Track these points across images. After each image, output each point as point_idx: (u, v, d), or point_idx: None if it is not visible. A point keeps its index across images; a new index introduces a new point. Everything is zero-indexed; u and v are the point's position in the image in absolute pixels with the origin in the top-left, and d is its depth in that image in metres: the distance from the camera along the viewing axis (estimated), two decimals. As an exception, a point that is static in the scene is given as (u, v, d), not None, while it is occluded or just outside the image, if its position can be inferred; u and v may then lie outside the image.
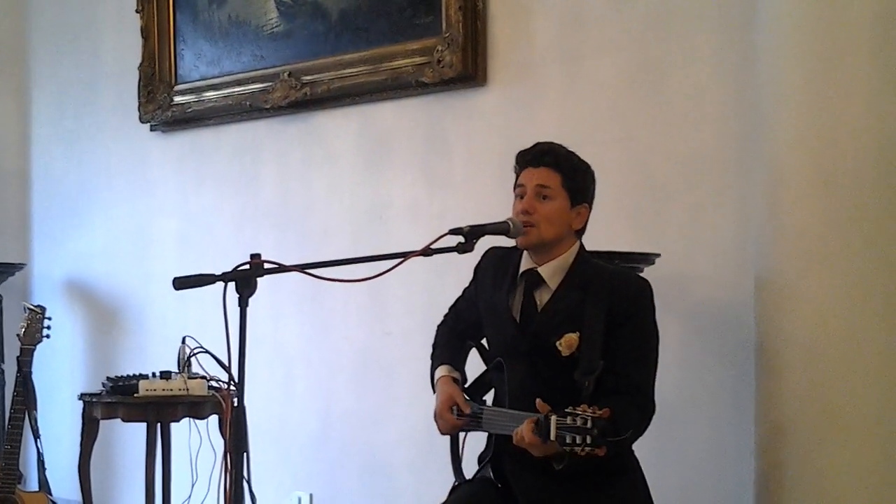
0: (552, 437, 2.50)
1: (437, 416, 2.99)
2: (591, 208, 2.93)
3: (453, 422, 2.96)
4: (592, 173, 2.94)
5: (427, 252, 2.66)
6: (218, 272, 2.47)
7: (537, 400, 2.60)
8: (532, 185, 2.85)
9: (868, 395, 2.87)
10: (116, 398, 4.02)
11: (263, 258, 2.50)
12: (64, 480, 4.87)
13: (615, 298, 2.79)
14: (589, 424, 2.45)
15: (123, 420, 4.09)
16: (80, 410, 4.18)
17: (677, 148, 3.71)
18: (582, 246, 2.93)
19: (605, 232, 3.23)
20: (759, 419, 3.13)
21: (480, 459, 3.00)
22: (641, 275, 3.30)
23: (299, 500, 4.74)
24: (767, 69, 3.13)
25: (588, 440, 2.45)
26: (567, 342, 2.77)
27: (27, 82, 6.08)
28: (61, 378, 5.62)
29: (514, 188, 2.92)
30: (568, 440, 2.47)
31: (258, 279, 2.49)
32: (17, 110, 6.09)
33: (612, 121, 3.86)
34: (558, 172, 2.85)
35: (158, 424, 4.17)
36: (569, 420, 2.48)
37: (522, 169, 2.91)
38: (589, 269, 2.88)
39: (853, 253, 2.88)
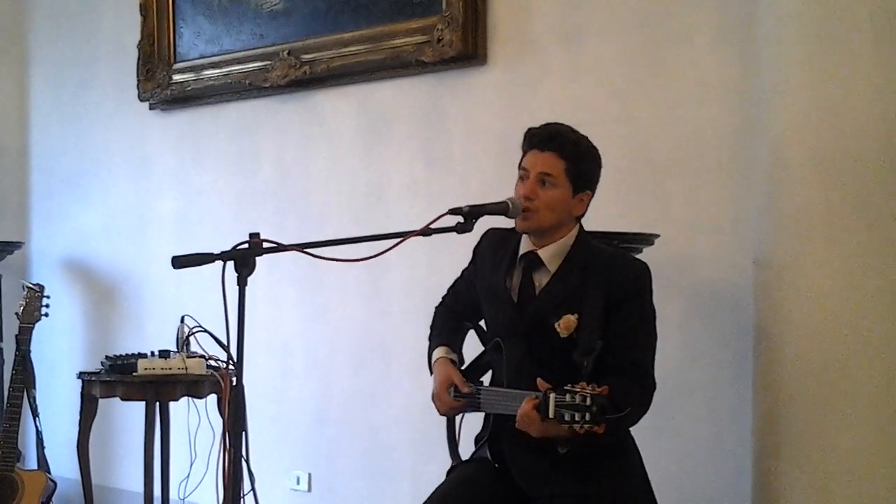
0: (551, 414, 2.51)
1: (435, 398, 2.99)
2: (593, 194, 2.92)
3: (451, 403, 2.96)
4: (599, 158, 2.91)
5: (426, 232, 2.66)
6: (217, 251, 2.47)
7: (538, 379, 2.60)
8: (535, 171, 2.83)
9: (866, 378, 2.87)
10: (115, 377, 4.03)
11: (262, 237, 2.50)
12: (63, 459, 4.89)
13: (614, 281, 2.79)
14: (588, 402, 2.46)
15: (122, 399, 4.10)
16: (79, 389, 4.19)
17: (678, 128, 3.70)
18: (581, 228, 2.92)
19: (604, 212, 3.22)
20: (757, 400, 3.13)
21: (477, 440, 3.01)
22: (640, 256, 3.30)
23: (298, 479, 4.75)
24: (769, 50, 3.12)
25: (587, 417, 2.45)
26: (565, 323, 2.77)
27: (26, 61, 6.06)
28: (60, 357, 5.63)
29: (519, 167, 2.90)
30: (567, 417, 2.47)
31: (257, 258, 2.49)
32: (16, 88, 6.07)
33: (612, 100, 3.85)
34: (563, 159, 2.82)
35: (157, 403, 4.17)
36: (568, 398, 2.48)
37: (529, 149, 2.88)
38: (588, 251, 2.87)
39: (853, 235, 2.88)
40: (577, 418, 2.46)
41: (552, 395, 2.51)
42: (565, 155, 2.83)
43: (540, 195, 2.82)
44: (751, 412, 3.18)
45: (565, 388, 2.50)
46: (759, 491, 3.10)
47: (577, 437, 2.51)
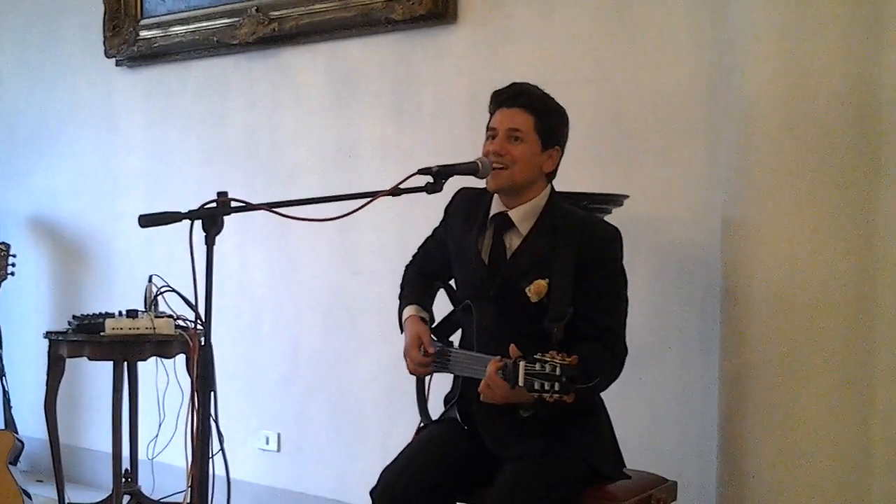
0: (521, 382, 2.50)
1: (406, 355, 2.99)
2: (563, 152, 2.92)
3: (421, 360, 2.96)
4: (566, 116, 2.92)
5: (396, 192, 2.64)
6: (184, 210, 2.44)
7: (511, 346, 2.60)
8: (504, 127, 2.84)
9: (831, 339, 2.90)
10: (82, 336, 4.01)
11: (230, 196, 2.47)
12: (30, 418, 4.87)
13: (585, 245, 2.79)
14: (558, 371, 2.45)
15: (89, 359, 4.08)
16: (46, 349, 4.16)
17: (648, 89, 3.69)
18: (553, 190, 2.92)
19: (574, 173, 3.21)
20: (724, 361, 3.15)
21: (447, 400, 3.02)
22: (610, 216, 3.30)
23: (267, 439, 4.75)
24: (739, 11, 3.11)
25: (556, 387, 2.45)
26: (536, 288, 2.77)
27: (-11, 15, 5.97)
28: (26, 316, 5.59)
29: (487, 129, 2.90)
30: (536, 386, 2.47)
31: (225, 217, 2.46)
32: (-21, 44, 5.99)
33: (583, 61, 3.84)
34: (531, 114, 2.83)
35: (125, 363, 4.15)
36: (537, 366, 2.48)
37: (496, 109, 2.89)
38: (560, 214, 2.87)
39: (822, 196, 2.89)
40: (546, 387, 2.46)
41: (522, 364, 2.50)
42: (533, 110, 2.84)
43: (510, 150, 2.82)
44: (718, 372, 3.21)
45: (535, 356, 2.49)
46: (726, 449, 3.13)
47: (545, 405, 2.51)
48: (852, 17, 2.88)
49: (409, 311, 3.06)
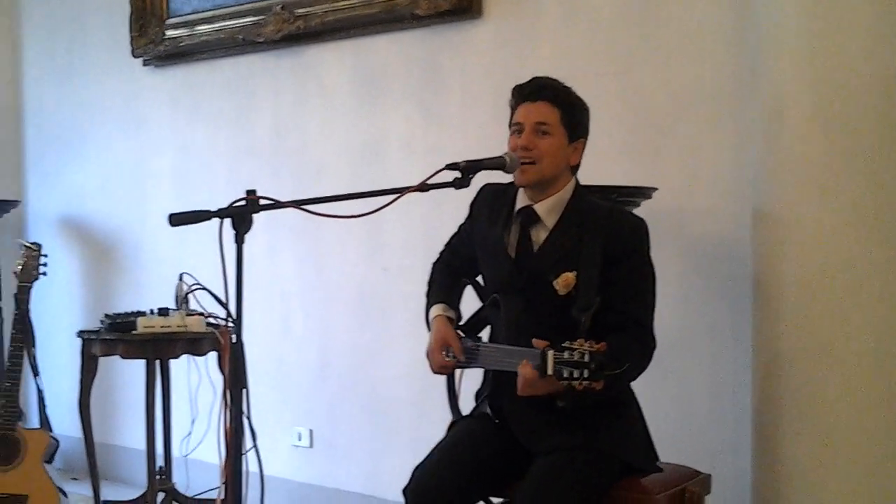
0: (549, 371, 2.51)
1: (429, 355, 3.00)
2: (586, 143, 2.91)
3: (444, 362, 2.97)
4: (588, 108, 2.92)
5: (423, 187, 2.64)
6: (214, 208, 2.46)
7: (534, 340, 2.60)
8: (531, 121, 2.83)
9: (864, 331, 2.87)
10: (115, 335, 4.03)
11: (259, 194, 2.48)
12: (65, 417, 4.90)
13: (612, 236, 2.78)
14: (586, 358, 2.46)
15: (122, 357, 4.10)
16: (79, 348, 4.19)
17: (675, 81, 3.67)
18: (578, 182, 2.91)
19: (602, 166, 3.21)
20: (756, 353, 3.14)
21: (477, 396, 3.02)
22: (638, 209, 3.29)
23: (299, 435, 4.77)
24: (767, 2, 3.09)
25: (585, 374, 2.46)
26: (564, 281, 2.76)
27: (18, 18, 6.01)
28: (59, 315, 5.64)
29: (510, 124, 2.89)
30: (566, 374, 2.48)
31: (254, 215, 2.47)
32: (9, 47, 6.03)
33: (609, 54, 3.82)
34: (557, 107, 2.83)
35: (157, 361, 4.18)
36: (566, 355, 2.49)
37: (519, 104, 2.88)
38: (585, 206, 2.86)
39: (851, 187, 2.87)
40: (575, 375, 2.47)
41: (550, 352, 2.51)
42: (558, 103, 2.84)
43: (538, 144, 2.81)
44: (750, 366, 3.19)
45: (563, 345, 2.50)
46: (760, 445, 3.11)
47: (575, 393, 2.51)
48: (879, 6, 2.85)
49: (437, 310, 3.06)
